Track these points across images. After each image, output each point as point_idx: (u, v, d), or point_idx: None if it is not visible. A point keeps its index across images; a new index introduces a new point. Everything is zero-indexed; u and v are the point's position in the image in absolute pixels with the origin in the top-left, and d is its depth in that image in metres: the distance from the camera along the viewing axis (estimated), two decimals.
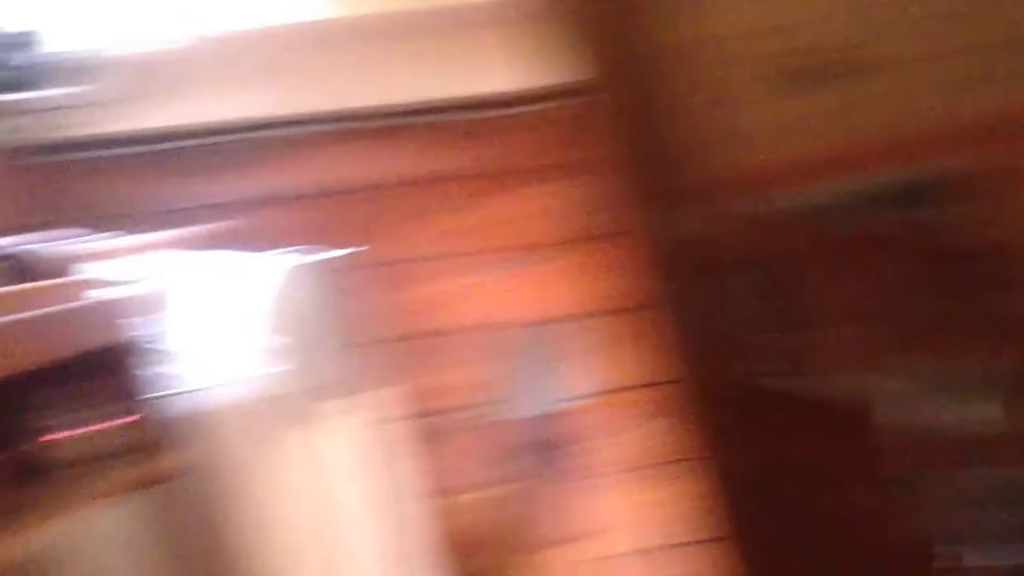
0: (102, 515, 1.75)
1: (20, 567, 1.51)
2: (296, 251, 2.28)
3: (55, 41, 2.11)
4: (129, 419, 1.72)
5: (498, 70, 2.61)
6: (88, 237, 1.93)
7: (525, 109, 2.66)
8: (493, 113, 2.66)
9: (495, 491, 2.78)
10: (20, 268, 1.69)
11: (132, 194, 2.59)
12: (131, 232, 2.18)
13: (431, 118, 2.63)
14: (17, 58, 1.97)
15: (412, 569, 2.48)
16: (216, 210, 2.59)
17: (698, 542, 2.79)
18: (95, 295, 1.63)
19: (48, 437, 1.62)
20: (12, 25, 1.96)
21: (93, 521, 1.75)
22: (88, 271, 1.72)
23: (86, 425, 1.67)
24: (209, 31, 2.46)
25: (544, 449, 2.85)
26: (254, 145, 2.60)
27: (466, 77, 2.57)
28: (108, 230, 2.13)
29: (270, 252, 2.27)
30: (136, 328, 1.69)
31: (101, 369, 1.66)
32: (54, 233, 1.92)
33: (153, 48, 2.42)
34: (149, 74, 2.46)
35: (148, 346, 1.73)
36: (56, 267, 1.63)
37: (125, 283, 1.75)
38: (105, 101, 2.37)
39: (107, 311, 1.63)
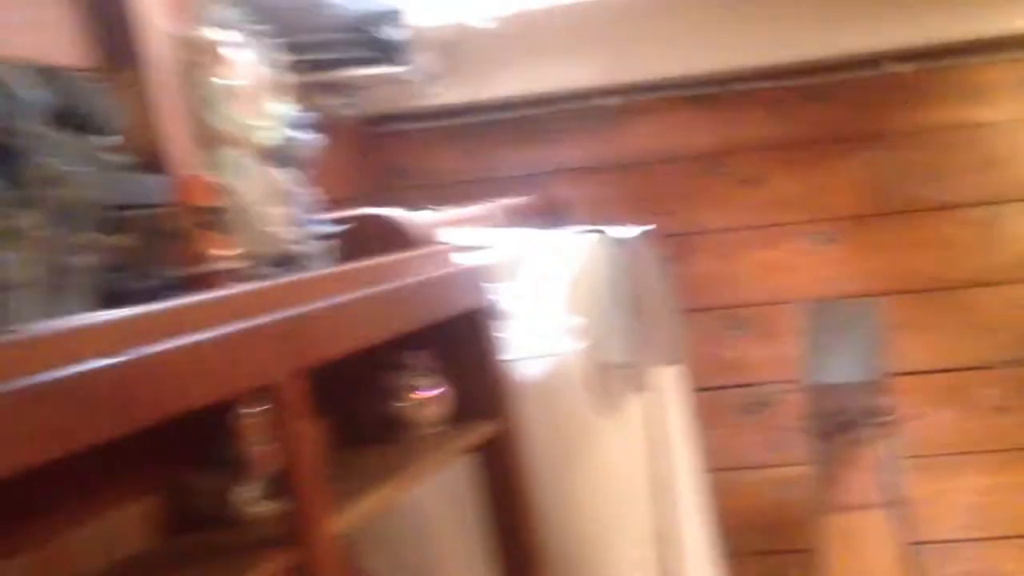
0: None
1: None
2: (617, 222, 2.30)
3: (411, 17, 2.21)
4: (480, 382, 1.79)
5: (815, 34, 2.54)
6: (430, 206, 2.01)
7: (848, 76, 2.58)
8: (815, 80, 2.59)
9: (790, 469, 2.74)
10: (368, 233, 1.78)
11: (459, 164, 2.69)
12: (459, 201, 2.26)
13: (752, 85, 2.59)
14: (382, 33, 2.07)
15: (708, 539, 2.48)
16: (537, 179, 2.65)
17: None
18: (458, 262, 1.70)
19: (414, 397, 1.70)
20: (380, 2, 2.07)
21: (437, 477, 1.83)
22: (448, 238, 1.79)
23: (442, 387, 1.74)
24: (531, 4, 2.51)
25: (848, 426, 2.78)
26: (576, 115, 2.64)
27: (789, 41, 2.51)
28: (439, 199, 2.22)
29: (592, 223, 2.30)
30: (491, 295, 1.75)
31: (459, 333, 1.73)
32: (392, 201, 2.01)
33: (477, 22, 2.49)
34: (474, 48, 2.54)
35: (499, 312, 1.79)
36: (418, 234, 1.71)
37: (480, 251, 1.81)
38: (436, 74, 2.46)
39: (469, 278, 1.70)
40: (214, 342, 1.05)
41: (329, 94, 2.18)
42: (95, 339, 0.95)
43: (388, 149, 2.71)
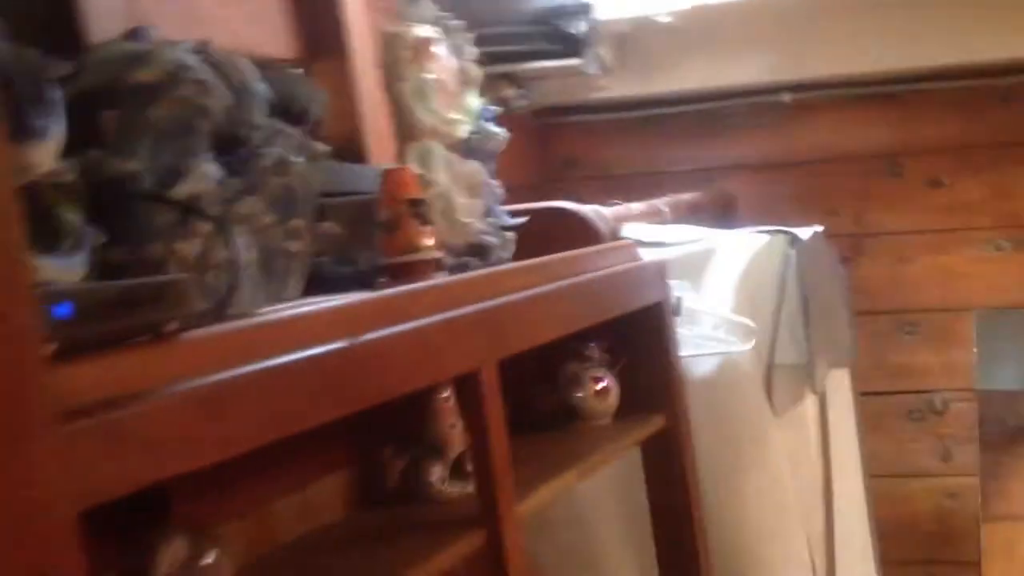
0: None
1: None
2: (788, 221, 2.28)
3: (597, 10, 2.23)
4: (653, 376, 1.81)
5: (1002, 35, 2.46)
6: (612, 200, 2.03)
7: None
8: (1001, 81, 2.51)
9: (956, 479, 2.68)
10: (553, 225, 1.81)
11: (629, 158, 2.70)
12: (628, 195, 2.28)
13: (934, 85, 2.53)
14: (568, 26, 2.10)
15: (868, 545, 2.45)
16: (708, 175, 2.65)
17: None
18: (643, 258, 1.72)
19: (590, 388, 1.73)
20: None
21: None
22: (630, 232, 1.82)
23: (616, 380, 1.77)
24: None
25: (1016, 436, 2.70)
26: (750, 111, 2.63)
27: (974, 41, 2.44)
28: (608, 192, 2.24)
29: (762, 221, 2.29)
30: (671, 291, 1.76)
31: (637, 326, 1.75)
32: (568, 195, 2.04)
33: (654, 16, 2.50)
34: (650, 42, 2.54)
35: (677, 308, 1.80)
36: (603, 228, 1.73)
37: (661, 245, 1.83)
38: (610, 67, 2.48)
39: (653, 273, 1.71)
40: (429, 329, 1.09)
41: (507, 86, 2.22)
42: (321, 324, 1.00)
43: (559, 141, 2.74)
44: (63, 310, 0.68)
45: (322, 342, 0.97)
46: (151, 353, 0.79)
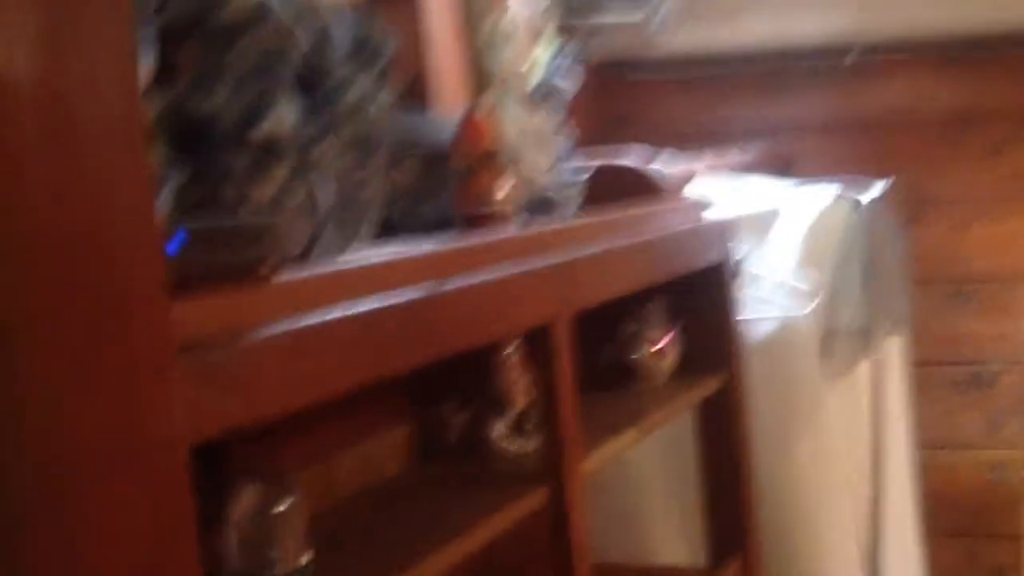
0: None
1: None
2: (849, 183, 2.24)
3: None
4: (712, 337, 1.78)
5: None
6: (670, 156, 1.99)
7: None
8: None
9: (1005, 452, 2.64)
10: (618, 182, 1.78)
11: (690, 115, 2.66)
12: (688, 151, 2.24)
13: (1004, 51, 2.46)
14: None
15: (914, 515, 2.42)
16: (769, 134, 2.60)
17: None
18: (707, 216, 1.69)
19: (650, 347, 1.70)
20: None
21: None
22: (696, 191, 1.78)
23: (676, 340, 1.74)
24: None
25: None
26: (814, 71, 2.57)
27: None
28: (674, 148, 2.20)
29: (827, 180, 2.25)
30: (734, 250, 1.74)
31: (698, 286, 1.73)
32: (629, 150, 2.01)
33: None
34: None
35: (738, 269, 1.77)
36: (667, 186, 1.70)
37: (727, 204, 1.79)
38: (673, 22, 2.43)
39: (716, 233, 1.68)
40: (508, 279, 1.07)
41: (572, 38, 2.18)
42: (407, 270, 0.98)
43: (620, 96, 2.70)
44: (173, 245, 0.66)
45: (407, 287, 0.95)
46: (249, 293, 0.77)
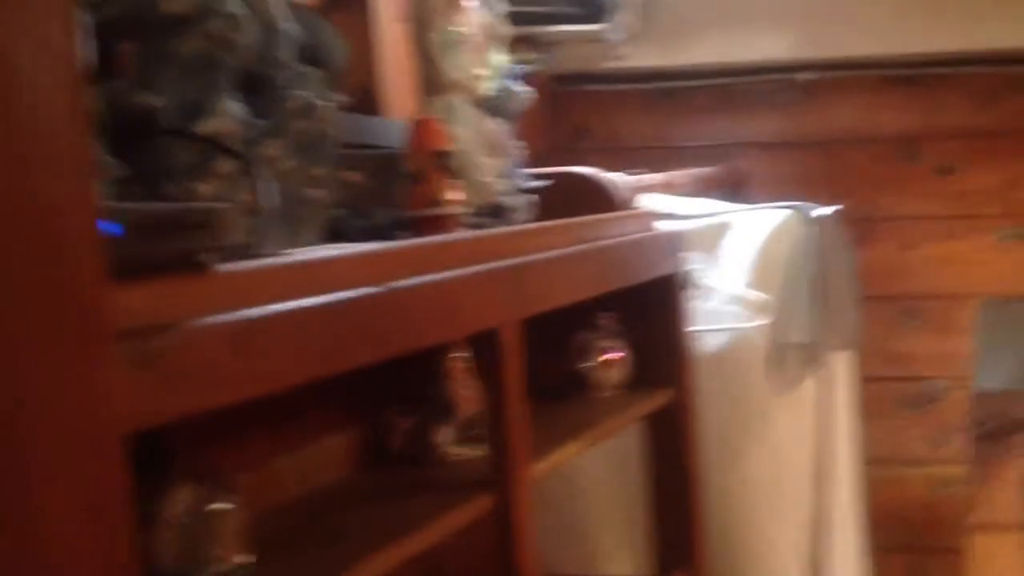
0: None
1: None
2: (800, 201, 2.26)
3: None
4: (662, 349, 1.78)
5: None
6: (629, 169, 2.00)
7: None
8: (1018, 70, 2.49)
9: (947, 468, 2.67)
10: (571, 191, 1.78)
11: (645, 129, 2.67)
12: (642, 167, 2.25)
13: (954, 70, 2.50)
14: None
15: (859, 529, 2.44)
16: (723, 151, 2.62)
17: None
18: (659, 227, 1.69)
19: (600, 358, 1.70)
20: None
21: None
22: (647, 203, 1.79)
23: (625, 351, 1.74)
24: None
25: (1004, 433, 2.69)
26: (768, 89, 2.60)
27: (998, 27, 2.41)
28: (622, 163, 2.21)
29: (774, 199, 2.26)
30: (685, 262, 1.74)
31: (648, 298, 1.73)
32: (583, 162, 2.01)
33: None
34: (672, 12, 2.51)
35: (689, 281, 1.78)
36: (620, 196, 1.70)
37: (678, 218, 1.80)
38: (631, 36, 2.44)
39: (668, 244, 1.69)
40: (456, 282, 1.07)
41: (529, 49, 2.18)
42: (351, 269, 0.97)
43: (571, 109, 2.70)
44: (113, 229, 0.65)
45: (351, 287, 0.94)
46: (191, 282, 0.76)
